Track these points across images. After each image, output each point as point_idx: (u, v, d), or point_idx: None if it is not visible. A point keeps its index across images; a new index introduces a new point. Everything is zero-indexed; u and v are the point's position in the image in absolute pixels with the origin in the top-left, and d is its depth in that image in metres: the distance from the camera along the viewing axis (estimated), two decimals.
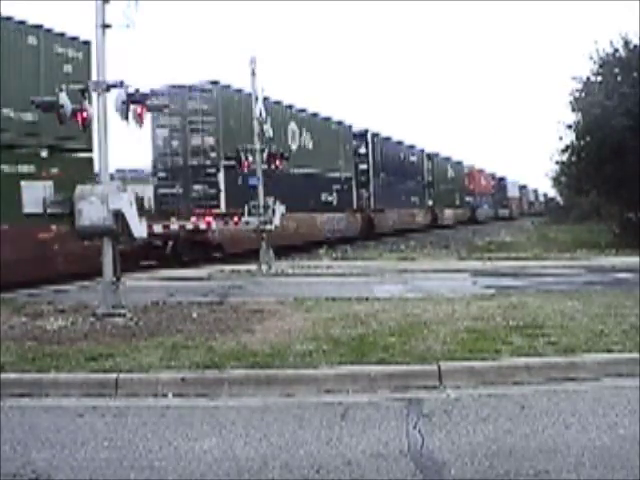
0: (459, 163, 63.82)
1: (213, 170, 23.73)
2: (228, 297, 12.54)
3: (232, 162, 20.57)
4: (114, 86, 10.53)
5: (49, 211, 10.66)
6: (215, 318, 10.05)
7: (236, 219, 21.67)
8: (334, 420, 5.77)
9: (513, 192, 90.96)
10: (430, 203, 51.43)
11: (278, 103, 27.31)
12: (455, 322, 9.08)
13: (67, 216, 10.38)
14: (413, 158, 48.21)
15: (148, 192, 24.44)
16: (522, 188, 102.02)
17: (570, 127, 29.72)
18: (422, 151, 51.41)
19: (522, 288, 13.16)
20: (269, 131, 19.62)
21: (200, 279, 16.92)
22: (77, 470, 4.80)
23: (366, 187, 37.26)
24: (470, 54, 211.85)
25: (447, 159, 59.99)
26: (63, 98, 10.43)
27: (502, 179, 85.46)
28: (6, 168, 14.93)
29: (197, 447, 5.19)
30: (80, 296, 13.01)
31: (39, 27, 16.08)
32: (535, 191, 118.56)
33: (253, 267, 18.66)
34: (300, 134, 29.58)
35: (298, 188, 27.40)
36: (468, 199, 64.98)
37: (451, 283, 14.45)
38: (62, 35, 16.67)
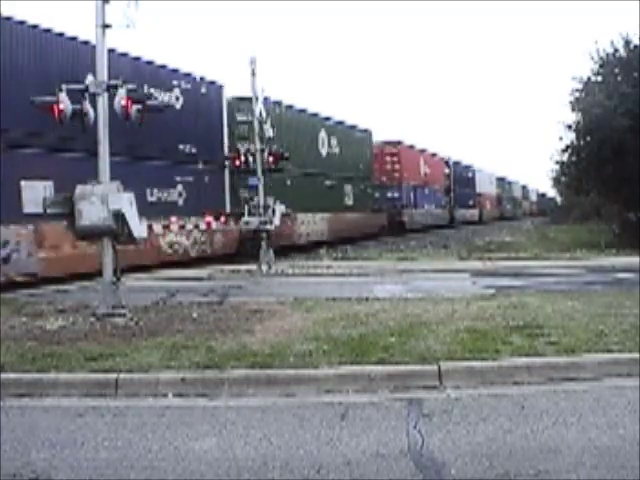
0: (353, 128, 35.49)
1: None
2: (228, 297, 12.54)
3: None
4: (114, 86, 10.53)
5: (49, 211, 10.65)
6: (215, 318, 10.05)
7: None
8: (334, 420, 5.76)
9: (486, 187, 68.74)
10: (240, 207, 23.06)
11: None
12: (455, 322, 9.08)
13: (67, 216, 10.37)
14: (163, 97, 19.90)
15: None
16: (503, 182, 79.96)
17: (570, 127, 29.72)
18: (218, 88, 23.10)
19: (522, 288, 13.15)
20: (269, 131, 19.59)
21: (200, 279, 16.92)
22: (77, 470, 4.80)
23: None
24: (470, 54, 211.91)
25: (314, 115, 30.53)
26: (63, 98, 10.42)
27: (469, 168, 62.96)
28: None
29: (197, 447, 5.19)
30: (80, 296, 13.01)
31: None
32: (525, 187, 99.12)
33: (253, 267, 18.66)
34: None
35: None
36: (391, 195, 41.64)
37: (451, 283, 14.45)
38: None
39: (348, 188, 33.95)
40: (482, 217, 65.09)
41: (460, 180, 58.49)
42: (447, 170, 55.60)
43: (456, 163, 58.60)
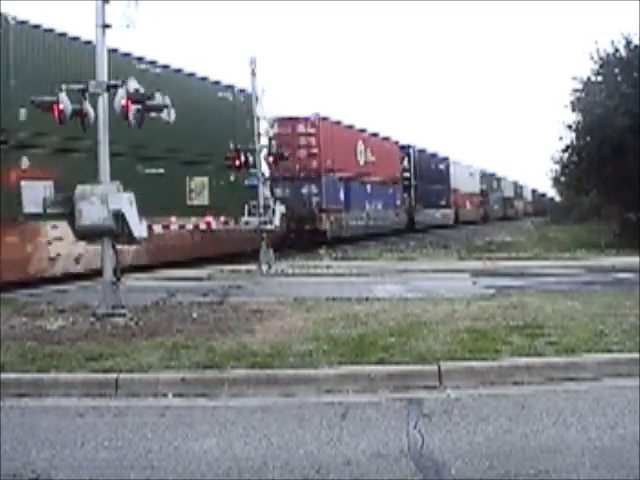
0: (214, 83, 22.78)
1: None
2: (228, 297, 12.53)
3: None
4: (114, 86, 10.53)
5: (49, 211, 10.65)
6: (215, 318, 10.05)
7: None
8: (334, 420, 5.76)
9: (466, 182, 56.75)
10: None
11: None
12: (455, 322, 9.08)
13: (67, 216, 10.37)
14: None
15: None
16: (490, 178, 68.01)
17: (570, 127, 29.73)
18: None
19: (522, 288, 13.15)
20: (269, 131, 19.59)
21: (200, 279, 16.91)
22: (77, 470, 4.80)
23: None
24: (470, 54, 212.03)
25: (114, 52, 14.31)
26: (63, 98, 10.42)
27: (439, 158, 50.56)
28: None
29: (197, 447, 5.19)
30: (80, 296, 13.00)
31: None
32: (518, 185, 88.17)
33: (253, 267, 18.66)
34: None
35: None
36: (306, 191, 29.43)
37: (451, 283, 14.45)
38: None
39: (199, 179, 21.15)
40: (459, 219, 53.20)
41: (427, 173, 46.05)
42: (406, 160, 42.74)
43: (421, 151, 46.11)
